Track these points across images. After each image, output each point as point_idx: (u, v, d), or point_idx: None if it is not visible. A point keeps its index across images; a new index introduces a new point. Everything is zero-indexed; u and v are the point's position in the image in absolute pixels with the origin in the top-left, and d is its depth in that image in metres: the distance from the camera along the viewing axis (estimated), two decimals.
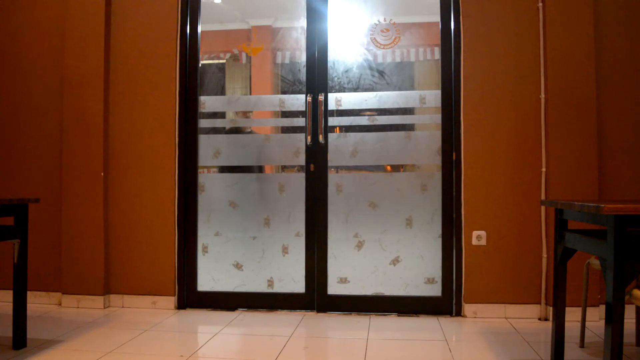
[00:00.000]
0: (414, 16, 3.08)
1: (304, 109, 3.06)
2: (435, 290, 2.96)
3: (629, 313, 2.52)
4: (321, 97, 3.01)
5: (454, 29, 2.96)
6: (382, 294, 2.98)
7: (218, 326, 2.72)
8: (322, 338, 2.55)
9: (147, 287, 3.09)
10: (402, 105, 3.02)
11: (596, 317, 2.72)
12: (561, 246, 2.08)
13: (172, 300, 3.08)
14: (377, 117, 3.03)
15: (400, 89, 3.04)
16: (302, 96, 3.07)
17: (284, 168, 3.11)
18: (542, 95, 2.83)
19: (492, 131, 2.88)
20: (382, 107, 3.03)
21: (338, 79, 3.06)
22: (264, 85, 3.22)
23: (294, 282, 3.06)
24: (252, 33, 3.22)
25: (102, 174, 3.08)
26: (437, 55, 3.02)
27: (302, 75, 3.09)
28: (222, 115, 3.17)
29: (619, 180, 2.81)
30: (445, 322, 2.81)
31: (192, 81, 3.17)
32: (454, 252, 2.93)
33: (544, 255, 2.81)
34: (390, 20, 3.05)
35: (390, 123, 3.02)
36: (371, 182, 3.02)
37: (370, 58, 3.06)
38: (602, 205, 1.61)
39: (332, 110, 3.04)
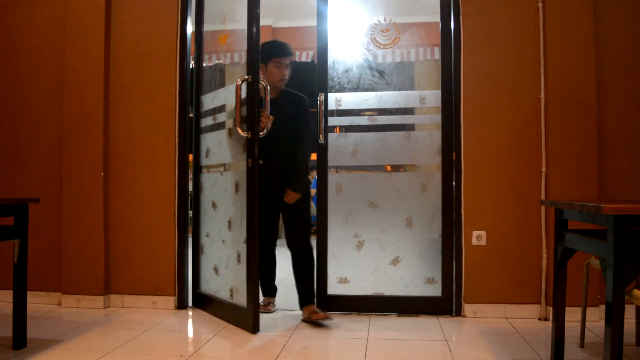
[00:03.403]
0: (414, 16, 3.07)
1: None
2: (435, 290, 2.95)
3: (629, 313, 2.50)
4: (321, 97, 3.00)
5: (454, 29, 2.96)
6: (382, 294, 2.98)
7: (218, 326, 2.72)
8: (322, 338, 2.55)
9: (147, 287, 3.09)
10: (402, 105, 3.01)
11: (596, 317, 2.72)
12: (561, 246, 2.08)
13: (172, 300, 3.08)
14: (377, 117, 3.03)
15: (400, 89, 3.04)
16: None
17: None
18: (542, 95, 2.83)
19: (492, 131, 2.88)
20: (382, 107, 3.03)
21: (338, 78, 3.06)
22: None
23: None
24: None
25: (102, 174, 3.08)
26: (437, 55, 3.02)
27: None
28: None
29: (619, 180, 2.81)
30: (445, 322, 2.81)
31: (192, 81, 3.17)
32: (454, 252, 2.92)
33: (544, 255, 2.81)
34: (390, 20, 3.05)
35: (390, 123, 3.02)
36: (371, 182, 3.02)
37: (370, 58, 3.06)
38: (602, 205, 1.61)
39: (332, 110, 3.04)
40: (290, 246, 2.88)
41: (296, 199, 2.81)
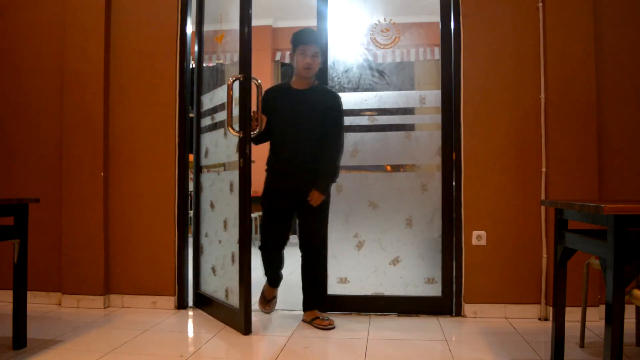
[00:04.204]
0: (414, 16, 3.08)
1: None
2: (435, 290, 2.95)
3: (629, 313, 2.50)
4: None
5: (454, 29, 2.96)
6: (382, 294, 2.98)
7: (217, 327, 2.72)
8: (322, 338, 2.55)
9: (147, 287, 3.09)
10: (402, 105, 3.02)
11: (596, 317, 2.72)
12: (561, 246, 2.08)
13: (172, 300, 3.08)
14: (377, 117, 3.03)
15: (400, 89, 3.04)
16: None
17: None
18: (542, 95, 2.83)
19: (492, 131, 2.88)
20: (382, 107, 3.03)
21: (338, 78, 3.06)
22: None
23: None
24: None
25: (102, 174, 3.08)
26: (437, 55, 3.02)
27: None
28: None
29: (619, 180, 2.81)
30: (445, 322, 2.81)
31: (192, 81, 3.17)
32: (454, 252, 2.92)
33: (544, 255, 2.81)
34: (390, 20, 3.05)
35: (390, 123, 3.02)
36: (371, 182, 3.02)
37: (370, 58, 3.06)
38: (602, 205, 1.60)
39: None
40: (302, 248, 2.78)
41: (321, 200, 2.66)
